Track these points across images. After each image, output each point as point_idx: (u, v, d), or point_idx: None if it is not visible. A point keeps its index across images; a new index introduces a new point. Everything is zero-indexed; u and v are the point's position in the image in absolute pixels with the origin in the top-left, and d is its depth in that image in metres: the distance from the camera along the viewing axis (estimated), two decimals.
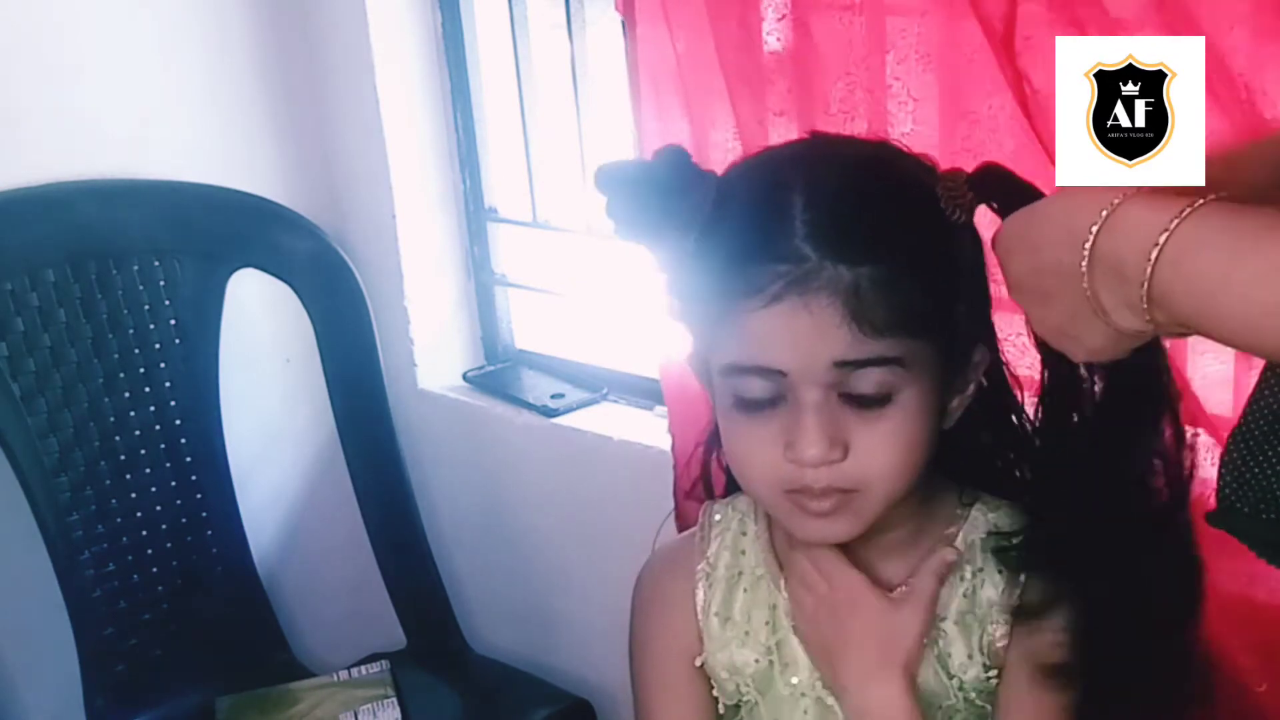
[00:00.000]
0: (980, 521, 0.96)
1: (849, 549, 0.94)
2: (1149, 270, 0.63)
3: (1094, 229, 0.66)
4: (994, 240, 0.78)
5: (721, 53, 1.28)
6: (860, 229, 0.82)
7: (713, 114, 1.32)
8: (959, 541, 0.95)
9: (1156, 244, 0.63)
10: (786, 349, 0.82)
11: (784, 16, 1.24)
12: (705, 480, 1.06)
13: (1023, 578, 0.93)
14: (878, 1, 1.17)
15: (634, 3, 1.34)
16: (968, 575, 0.95)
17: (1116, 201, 0.66)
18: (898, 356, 0.83)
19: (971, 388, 0.91)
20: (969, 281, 0.88)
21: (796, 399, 0.84)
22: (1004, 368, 0.95)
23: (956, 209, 0.84)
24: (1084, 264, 0.66)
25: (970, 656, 0.94)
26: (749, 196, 0.86)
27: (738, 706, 1.02)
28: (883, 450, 0.85)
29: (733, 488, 1.05)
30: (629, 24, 1.36)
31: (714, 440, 1.03)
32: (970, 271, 0.88)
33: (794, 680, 0.98)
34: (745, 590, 1.00)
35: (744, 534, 1.02)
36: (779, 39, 1.25)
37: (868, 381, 0.83)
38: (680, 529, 1.49)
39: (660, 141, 1.35)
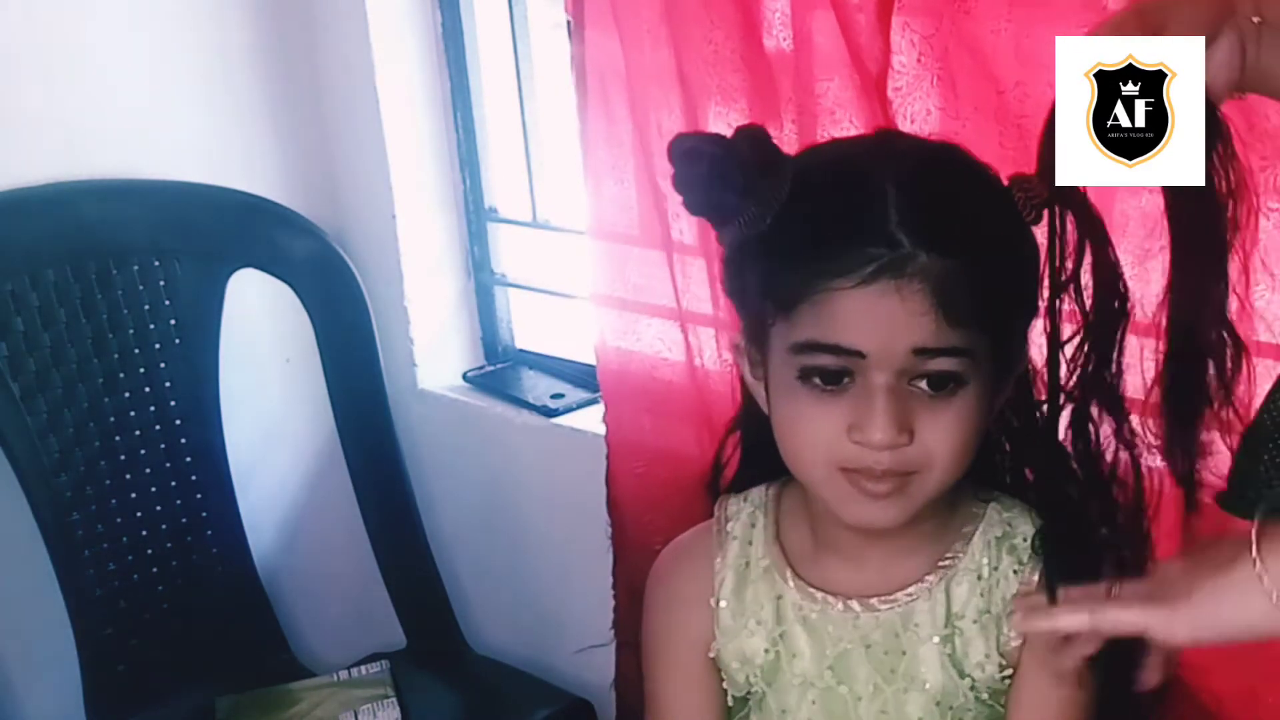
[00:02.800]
0: (995, 520, 0.97)
1: (875, 538, 0.95)
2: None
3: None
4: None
5: (676, 56, 1.29)
6: (953, 222, 0.84)
7: (661, 117, 1.34)
8: (975, 540, 0.96)
9: None
10: (871, 331, 0.83)
11: (734, 20, 1.25)
12: (715, 472, 1.07)
13: (1037, 575, 0.94)
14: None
15: (583, 5, 1.35)
16: (985, 574, 0.95)
17: None
18: (969, 348, 0.85)
19: (1009, 389, 0.92)
20: (1030, 284, 0.89)
21: (868, 381, 0.85)
22: (1029, 374, 0.95)
23: (1032, 209, 0.85)
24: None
25: (988, 655, 0.95)
26: (835, 180, 0.87)
27: (745, 699, 1.02)
28: (946, 438, 0.86)
29: (741, 481, 1.05)
30: (576, 25, 1.37)
31: (737, 427, 1.04)
32: (1032, 274, 0.89)
33: (799, 670, 0.98)
34: (753, 581, 1.00)
35: (753, 525, 1.02)
36: (731, 43, 1.25)
37: (941, 370, 0.85)
38: (610, 515, 1.52)
39: (606, 142, 1.38)
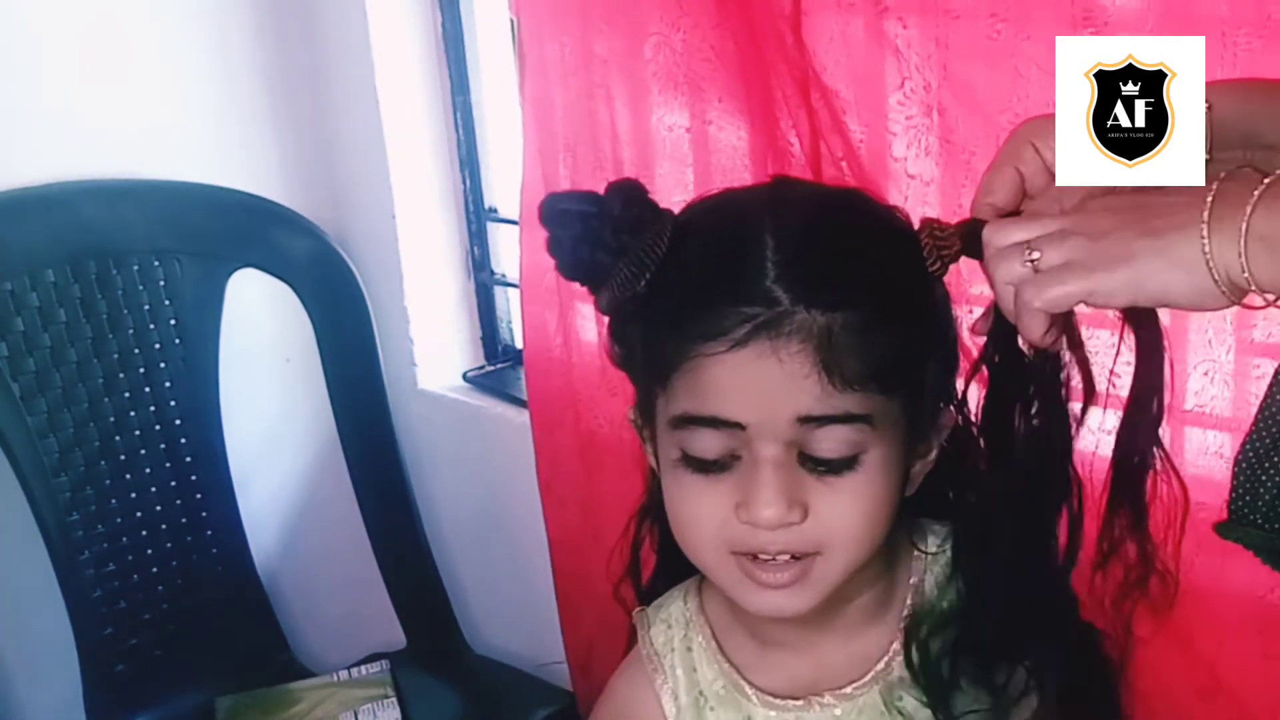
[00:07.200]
0: (941, 556, 0.89)
1: (821, 622, 0.87)
2: (1249, 211, 0.63)
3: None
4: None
5: (641, 46, 1.30)
6: (837, 272, 0.76)
7: (603, 118, 1.35)
8: (927, 582, 0.89)
9: (1254, 192, 0.63)
10: (749, 399, 0.75)
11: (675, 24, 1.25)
12: (634, 560, 0.96)
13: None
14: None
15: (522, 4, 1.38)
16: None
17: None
18: (866, 414, 0.76)
19: (934, 453, 0.85)
20: (941, 337, 0.82)
21: (753, 455, 0.76)
22: (971, 429, 0.87)
23: (939, 259, 0.77)
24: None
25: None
26: (712, 235, 0.79)
27: None
28: (845, 514, 0.78)
29: (665, 572, 0.96)
30: (519, 24, 1.38)
31: (647, 513, 0.94)
32: (943, 326, 0.82)
33: None
34: (714, 709, 0.90)
35: (689, 650, 0.92)
36: (701, 31, 1.25)
37: (832, 440, 0.76)
38: (547, 518, 1.58)
39: (542, 147, 1.39)
